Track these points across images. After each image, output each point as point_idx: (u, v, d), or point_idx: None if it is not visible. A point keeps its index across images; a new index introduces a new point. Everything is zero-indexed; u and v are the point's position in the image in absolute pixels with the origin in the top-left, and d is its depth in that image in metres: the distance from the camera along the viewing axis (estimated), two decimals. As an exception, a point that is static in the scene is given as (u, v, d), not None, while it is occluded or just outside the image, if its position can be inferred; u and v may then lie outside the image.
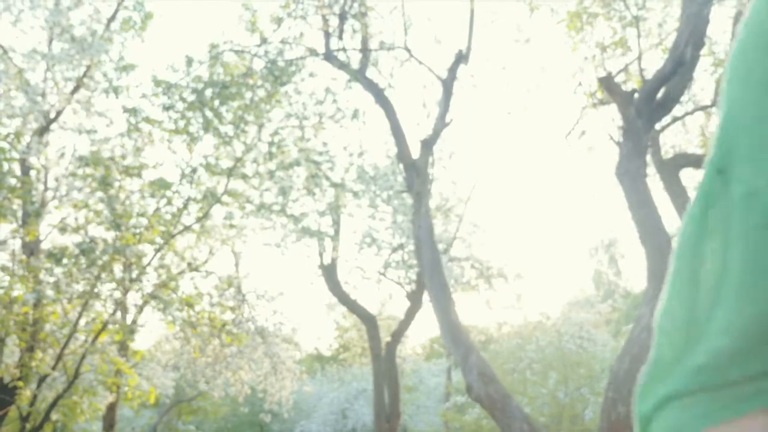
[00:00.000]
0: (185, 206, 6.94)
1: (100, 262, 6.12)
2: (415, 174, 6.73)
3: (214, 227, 9.21)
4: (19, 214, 6.30)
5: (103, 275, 6.00)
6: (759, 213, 0.45)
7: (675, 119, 7.31)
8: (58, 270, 6.23)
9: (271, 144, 7.42)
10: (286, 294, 14.11)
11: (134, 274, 6.67)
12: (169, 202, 7.28)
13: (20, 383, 5.75)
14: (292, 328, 14.47)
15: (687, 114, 7.52)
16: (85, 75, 7.47)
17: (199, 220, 7.39)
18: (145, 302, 9.44)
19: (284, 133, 7.69)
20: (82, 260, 5.73)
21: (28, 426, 6.37)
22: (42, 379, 6.37)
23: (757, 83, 0.46)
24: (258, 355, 12.07)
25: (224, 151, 7.73)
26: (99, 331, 6.44)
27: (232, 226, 8.13)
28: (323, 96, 7.49)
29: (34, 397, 6.43)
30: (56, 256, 5.73)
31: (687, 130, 8.12)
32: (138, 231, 6.23)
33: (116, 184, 6.35)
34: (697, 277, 0.49)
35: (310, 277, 15.68)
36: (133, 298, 9.11)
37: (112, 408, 10.96)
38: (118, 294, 6.70)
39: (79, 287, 5.99)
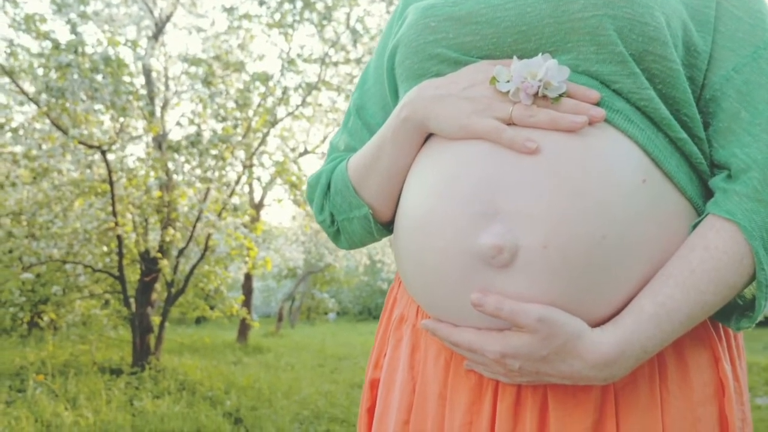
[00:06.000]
0: (284, 94, 7.55)
1: (214, 152, 6.97)
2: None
3: (322, 111, 9.87)
4: (146, 111, 7.22)
5: (216, 163, 6.85)
6: None
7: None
8: (180, 159, 7.18)
9: (354, 31, 7.76)
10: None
11: (246, 161, 7.51)
12: (271, 93, 7.94)
13: (158, 255, 6.91)
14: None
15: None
16: (187, -22, 8.10)
17: (298, 107, 8.03)
18: (268, 184, 10.48)
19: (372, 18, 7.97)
20: (194, 150, 6.60)
21: (173, 290, 7.59)
22: (180, 252, 7.50)
23: None
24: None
25: (318, 39, 8.20)
26: (219, 211, 7.43)
27: (327, 111, 8.73)
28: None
29: (176, 267, 7.60)
30: (173, 147, 6.64)
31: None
32: (239, 122, 6.94)
33: (219, 80, 7.04)
34: None
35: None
36: (257, 183, 10.21)
37: (248, 277, 12.50)
38: (233, 178, 7.62)
39: (197, 173, 6.90)
